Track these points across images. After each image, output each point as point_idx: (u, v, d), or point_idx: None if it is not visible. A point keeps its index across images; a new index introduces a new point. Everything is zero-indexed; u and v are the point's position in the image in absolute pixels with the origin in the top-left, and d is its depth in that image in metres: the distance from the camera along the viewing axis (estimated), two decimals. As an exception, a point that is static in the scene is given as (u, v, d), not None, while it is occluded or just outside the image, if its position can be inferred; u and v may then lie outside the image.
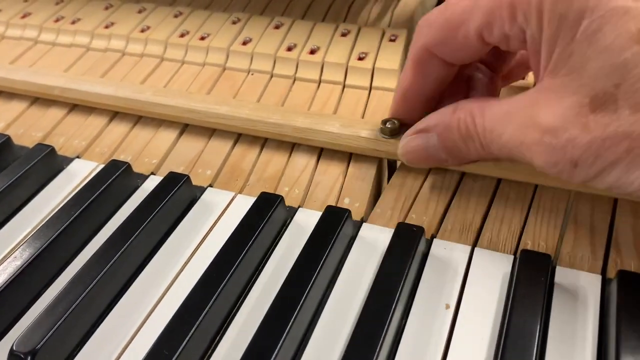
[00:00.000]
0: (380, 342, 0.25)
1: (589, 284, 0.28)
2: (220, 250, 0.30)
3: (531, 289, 0.27)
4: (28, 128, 0.43)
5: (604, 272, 0.29)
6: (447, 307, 0.28)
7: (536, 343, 0.24)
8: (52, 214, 0.34)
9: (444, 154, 0.31)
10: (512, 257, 0.30)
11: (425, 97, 0.33)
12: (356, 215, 0.34)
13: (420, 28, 0.30)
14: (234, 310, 0.29)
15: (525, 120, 0.26)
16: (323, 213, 0.32)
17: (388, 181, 0.36)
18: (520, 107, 0.26)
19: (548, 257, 0.28)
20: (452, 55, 0.30)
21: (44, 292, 0.31)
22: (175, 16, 0.52)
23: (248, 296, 0.30)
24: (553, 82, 0.25)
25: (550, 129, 0.24)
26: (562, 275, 0.29)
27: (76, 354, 0.28)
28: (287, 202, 0.35)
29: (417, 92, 0.32)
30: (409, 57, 0.31)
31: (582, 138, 0.24)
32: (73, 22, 0.53)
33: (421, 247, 0.30)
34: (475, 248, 0.31)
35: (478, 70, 0.33)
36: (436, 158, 0.31)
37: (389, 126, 0.35)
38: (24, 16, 0.55)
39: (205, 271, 0.29)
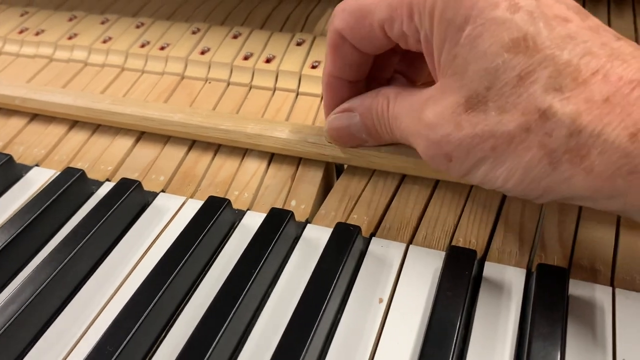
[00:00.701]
0: (312, 333, 0.26)
1: (514, 278, 0.30)
2: (166, 252, 0.31)
3: (455, 283, 0.28)
4: (-11, 138, 0.44)
5: (529, 267, 0.31)
6: (380, 301, 0.30)
7: (456, 334, 0.26)
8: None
9: (364, 134, 0.33)
10: (444, 253, 0.32)
11: (347, 83, 0.34)
12: (302, 217, 0.35)
13: (336, 12, 0.31)
14: (179, 309, 0.30)
15: (417, 113, 0.28)
16: (267, 215, 0.33)
17: (335, 184, 0.38)
18: (418, 100, 0.29)
19: (474, 252, 0.30)
20: (360, 42, 0.31)
21: (-2, 295, 0.32)
22: (137, 27, 0.54)
23: (194, 295, 0.31)
24: (442, 82, 0.27)
25: (429, 125, 0.27)
26: (490, 270, 0.31)
27: (26, 353, 0.29)
28: (237, 206, 0.36)
29: (338, 76, 0.33)
30: (327, 40, 0.33)
31: (455, 135, 0.26)
32: (37, 34, 0.54)
33: (358, 245, 0.32)
34: (410, 245, 0.32)
35: (396, 80, 0.35)
36: (358, 137, 0.34)
37: (334, 131, 0.37)
38: (-12, 28, 0.56)
39: (150, 272, 0.30)
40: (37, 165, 0.41)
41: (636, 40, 0.45)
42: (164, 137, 0.42)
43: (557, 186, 0.25)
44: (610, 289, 0.29)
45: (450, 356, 0.25)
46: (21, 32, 0.55)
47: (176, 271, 0.30)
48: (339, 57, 0.32)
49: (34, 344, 0.29)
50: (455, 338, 0.26)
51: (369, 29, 0.30)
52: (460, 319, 0.27)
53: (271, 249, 0.31)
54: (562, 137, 0.24)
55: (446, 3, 0.26)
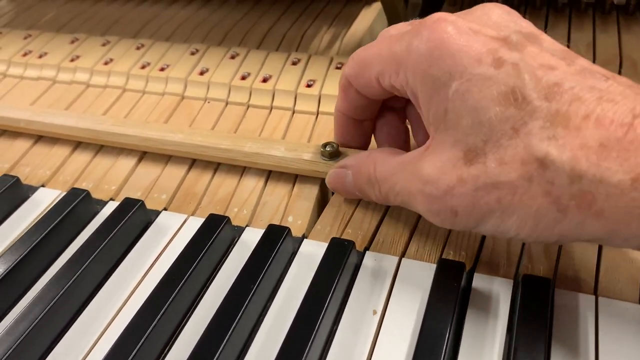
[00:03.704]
0: (309, 345, 0.28)
1: (502, 289, 0.31)
2: (168, 269, 0.33)
3: (444, 295, 0.30)
4: (-4, 160, 0.46)
5: (516, 278, 0.32)
6: (375, 312, 0.31)
7: (445, 344, 0.27)
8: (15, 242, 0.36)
9: (356, 191, 0.35)
10: (435, 265, 0.33)
11: (354, 120, 0.36)
12: (298, 232, 0.37)
13: (349, 59, 0.34)
14: (182, 324, 0.32)
15: (412, 172, 0.29)
16: (264, 231, 0.35)
17: (330, 200, 0.39)
18: (411, 160, 0.29)
19: (462, 265, 0.31)
20: (362, 89, 0.33)
21: (8, 312, 0.33)
22: (138, 48, 0.55)
23: (195, 310, 0.33)
24: (434, 137, 0.28)
25: (430, 180, 0.27)
26: (479, 281, 0.32)
27: (36, 369, 0.30)
28: (236, 222, 0.38)
29: (346, 115, 0.36)
30: (339, 81, 0.35)
31: (459, 189, 0.26)
32: (40, 56, 0.56)
33: (352, 259, 0.33)
34: (403, 259, 0.34)
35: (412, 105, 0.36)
36: (351, 192, 0.35)
37: (329, 149, 0.38)
38: (-8, 52, 0.58)
39: (153, 290, 0.32)
40: (42, 186, 0.43)
41: (620, 57, 0.47)
42: (165, 157, 0.43)
43: (570, 231, 0.25)
44: (594, 297, 0.31)
45: (441, 364, 0.27)
46: (25, 54, 0.57)
47: (178, 288, 0.32)
48: (346, 99, 0.35)
49: (44, 359, 0.31)
50: (444, 348, 0.27)
51: (368, 79, 0.32)
52: (450, 329, 0.28)
53: (269, 265, 0.32)
54: (565, 184, 0.24)
55: (429, 61, 0.27)
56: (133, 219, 0.37)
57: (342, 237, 0.35)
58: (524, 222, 0.25)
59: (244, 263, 0.33)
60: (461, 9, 0.56)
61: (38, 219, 0.38)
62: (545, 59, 0.26)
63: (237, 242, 0.36)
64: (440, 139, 0.27)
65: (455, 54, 0.26)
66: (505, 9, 0.29)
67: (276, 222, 0.37)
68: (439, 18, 0.28)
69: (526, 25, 0.29)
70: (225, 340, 0.29)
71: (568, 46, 0.49)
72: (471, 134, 0.26)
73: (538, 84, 0.25)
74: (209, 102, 0.49)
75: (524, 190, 0.25)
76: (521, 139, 0.25)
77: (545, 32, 0.53)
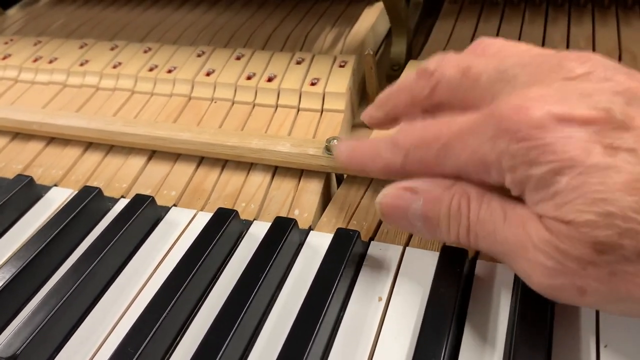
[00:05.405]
0: (316, 329, 0.29)
1: (504, 275, 0.32)
2: (180, 261, 0.34)
3: (447, 279, 0.30)
4: (9, 161, 0.47)
5: (518, 263, 0.33)
6: (380, 299, 0.32)
7: (448, 328, 0.28)
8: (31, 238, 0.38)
9: (420, 223, 0.29)
10: (438, 253, 0.34)
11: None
12: (305, 225, 0.38)
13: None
14: (194, 313, 0.33)
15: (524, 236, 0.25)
16: (272, 224, 0.36)
17: (335, 193, 0.40)
18: (526, 231, 0.25)
19: (464, 251, 0.32)
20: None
21: (25, 305, 0.34)
22: (145, 52, 0.57)
23: (206, 300, 0.33)
24: (549, 225, 0.24)
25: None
26: (482, 267, 0.33)
27: (53, 358, 0.31)
28: (244, 216, 0.39)
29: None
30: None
31: (592, 270, 0.23)
32: (50, 62, 0.57)
33: (357, 248, 0.34)
34: (407, 247, 0.35)
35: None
36: (411, 223, 0.30)
37: (333, 144, 0.39)
38: (4, 57, 0.59)
39: (165, 280, 0.33)
40: (55, 185, 0.44)
41: (619, 51, 0.48)
42: (174, 155, 0.44)
43: None
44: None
45: (444, 346, 0.27)
46: (35, 60, 0.58)
47: (189, 278, 0.33)
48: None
49: (61, 348, 0.32)
50: (447, 332, 0.28)
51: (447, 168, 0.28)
52: (453, 313, 0.29)
53: (277, 255, 0.33)
54: None
55: (527, 163, 0.24)
56: (144, 215, 0.38)
57: (347, 228, 0.36)
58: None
59: (252, 254, 0.34)
60: (461, 8, 0.58)
61: (52, 216, 0.39)
62: None
63: (245, 235, 0.37)
64: (556, 229, 0.24)
65: (556, 151, 0.23)
66: (590, 59, 0.26)
67: (283, 215, 0.38)
68: (519, 105, 0.24)
69: (624, 79, 0.25)
70: (234, 329, 0.30)
71: (568, 41, 0.51)
72: (600, 228, 0.23)
73: None
74: (215, 102, 0.50)
75: None
76: None
77: (545, 28, 0.54)
